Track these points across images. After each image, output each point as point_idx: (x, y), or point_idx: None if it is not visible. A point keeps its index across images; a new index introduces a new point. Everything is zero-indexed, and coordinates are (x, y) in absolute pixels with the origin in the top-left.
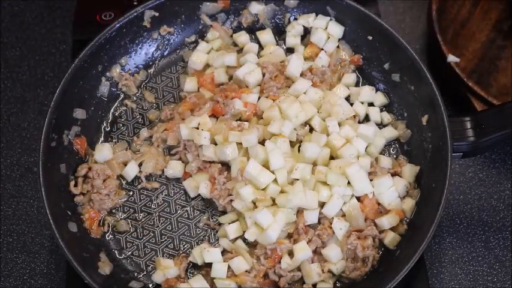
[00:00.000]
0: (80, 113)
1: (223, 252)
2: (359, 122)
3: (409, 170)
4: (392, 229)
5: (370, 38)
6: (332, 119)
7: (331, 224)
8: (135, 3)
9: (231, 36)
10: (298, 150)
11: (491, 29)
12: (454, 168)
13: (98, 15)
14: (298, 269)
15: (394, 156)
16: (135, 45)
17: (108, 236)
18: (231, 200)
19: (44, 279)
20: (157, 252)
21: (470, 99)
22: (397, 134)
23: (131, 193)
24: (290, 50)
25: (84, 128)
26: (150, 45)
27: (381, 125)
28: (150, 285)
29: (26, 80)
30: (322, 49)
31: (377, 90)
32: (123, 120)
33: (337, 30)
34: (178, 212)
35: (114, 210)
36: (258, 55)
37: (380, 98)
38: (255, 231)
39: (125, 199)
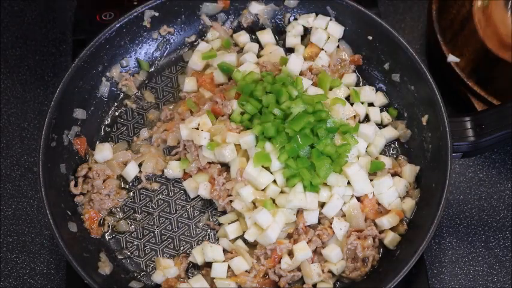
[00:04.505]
0: (80, 113)
1: (223, 252)
2: (359, 122)
3: (409, 170)
4: (393, 229)
5: (370, 38)
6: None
7: (331, 224)
8: (135, 3)
9: (231, 36)
10: None
11: None
12: (454, 168)
13: (98, 15)
14: (298, 269)
15: (394, 156)
16: (135, 45)
17: (108, 236)
18: (231, 201)
19: (44, 279)
20: (157, 252)
21: (470, 99)
22: (397, 134)
23: (131, 193)
24: (290, 50)
25: (84, 128)
26: (150, 45)
27: (380, 125)
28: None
29: (26, 80)
30: (322, 49)
31: (377, 90)
32: (123, 120)
33: (337, 30)
34: (178, 212)
35: (114, 210)
36: (258, 55)
37: (380, 98)
38: (255, 231)
39: (125, 199)
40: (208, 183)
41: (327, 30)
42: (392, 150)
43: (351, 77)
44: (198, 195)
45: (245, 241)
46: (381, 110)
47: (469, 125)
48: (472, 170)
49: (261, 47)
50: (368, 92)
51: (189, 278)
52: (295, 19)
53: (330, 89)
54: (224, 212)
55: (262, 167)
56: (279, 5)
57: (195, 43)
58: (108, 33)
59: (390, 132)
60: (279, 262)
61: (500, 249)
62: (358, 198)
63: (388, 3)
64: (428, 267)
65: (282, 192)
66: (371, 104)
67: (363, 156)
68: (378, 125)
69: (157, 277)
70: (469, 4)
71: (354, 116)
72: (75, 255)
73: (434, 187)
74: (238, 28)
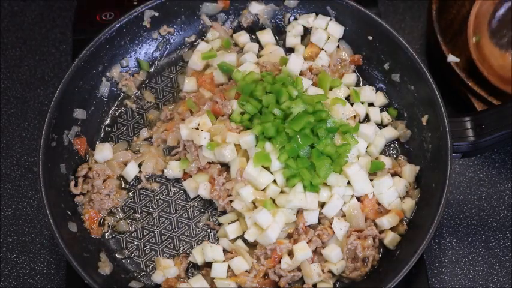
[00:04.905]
0: (80, 113)
1: (223, 252)
2: (359, 122)
3: (409, 170)
4: (393, 229)
5: (370, 38)
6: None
7: (331, 224)
8: (135, 3)
9: (231, 36)
10: None
11: None
12: (454, 168)
13: (98, 15)
14: (298, 269)
15: (394, 156)
16: (135, 45)
17: (108, 236)
18: (231, 201)
19: (44, 279)
20: (157, 252)
21: (470, 99)
22: (397, 134)
23: (131, 193)
24: (290, 50)
25: (84, 128)
26: (150, 45)
27: (380, 125)
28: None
29: (26, 80)
30: (322, 49)
31: (377, 90)
32: (123, 120)
33: (337, 30)
34: (178, 212)
35: (114, 210)
36: (258, 55)
37: (380, 98)
38: (255, 231)
39: (125, 199)
40: (208, 183)
41: (327, 30)
42: (392, 150)
43: (351, 77)
44: (198, 195)
45: (245, 241)
46: (381, 110)
47: (469, 125)
48: (472, 170)
49: (261, 47)
50: (368, 92)
51: (189, 278)
52: (295, 19)
53: (330, 89)
54: (224, 212)
55: (262, 167)
56: (279, 5)
57: (195, 43)
58: (108, 33)
59: (390, 132)
60: (279, 262)
61: (500, 249)
62: (358, 198)
63: (388, 3)
64: (428, 267)
65: (282, 192)
66: (371, 104)
67: (363, 156)
68: (378, 125)
69: (157, 277)
70: (469, 4)
71: (354, 116)
72: (75, 255)
73: (434, 187)
74: (238, 28)
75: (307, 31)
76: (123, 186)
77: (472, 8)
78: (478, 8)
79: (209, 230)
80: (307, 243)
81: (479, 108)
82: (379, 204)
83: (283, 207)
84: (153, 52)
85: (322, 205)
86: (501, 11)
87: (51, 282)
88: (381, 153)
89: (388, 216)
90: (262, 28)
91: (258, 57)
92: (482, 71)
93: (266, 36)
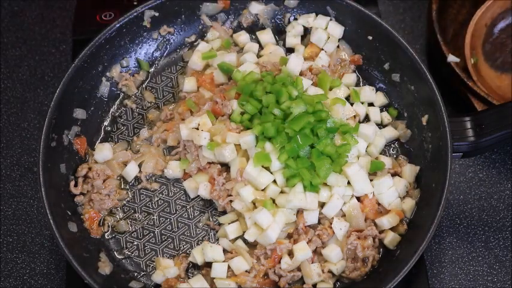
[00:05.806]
0: (80, 113)
1: (223, 252)
2: (359, 122)
3: (409, 170)
4: (393, 229)
5: (370, 38)
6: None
7: (331, 224)
8: (135, 3)
9: (231, 36)
10: None
11: None
12: (454, 168)
13: (98, 15)
14: (298, 269)
15: (394, 156)
16: (135, 45)
17: (108, 236)
18: (231, 201)
19: (44, 279)
20: (157, 252)
21: (470, 99)
22: (397, 134)
23: (131, 193)
24: (290, 50)
25: (84, 128)
26: (150, 45)
27: (380, 125)
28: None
29: (26, 80)
30: (322, 49)
31: (377, 90)
32: (123, 120)
33: (337, 30)
34: (178, 212)
35: (114, 210)
36: (258, 55)
37: (380, 98)
38: (255, 231)
39: (125, 199)
40: (208, 183)
41: (327, 30)
42: (392, 150)
43: (351, 77)
44: (198, 195)
45: (245, 241)
46: (381, 110)
47: (469, 125)
48: (472, 170)
49: (261, 47)
50: (368, 92)
51: (189, 278)
52: (295, 19)
53: (330, 89)
54: (224, 212)
55: (262, 167)
56: (279, 5)
57: (195, 43)
58: (108, 33)
59: (390, 132)
60: (279, 262)
61: (500, 249)
62: (358, 198)
63: (388, 3)
64: (428, 267)
65: (282, 192)
66: (371, 104)
67: (363, 156)
68: (378, 125)
69: (157, 277)
70: (469, 4)
71: (354, 116)
72: (75, 255)
73: (434, 187)
74: (238, 28)
75: (307, 31)
76: (123, 186)
77: (468, 29)
78: (474, 28)
79: (209, 230)
80: (307, 243)
81: (479, 108)
82: (379, 204)
83: (283, 207)
84: (153, 52)
85: (322, 205)
86: (493, 35)
87: (51, 282)
88: (381, 153)
89: (388, 216)
90: (262, 28)
91: (258, 57)
92: (480, 92)
93: (266, 36)
